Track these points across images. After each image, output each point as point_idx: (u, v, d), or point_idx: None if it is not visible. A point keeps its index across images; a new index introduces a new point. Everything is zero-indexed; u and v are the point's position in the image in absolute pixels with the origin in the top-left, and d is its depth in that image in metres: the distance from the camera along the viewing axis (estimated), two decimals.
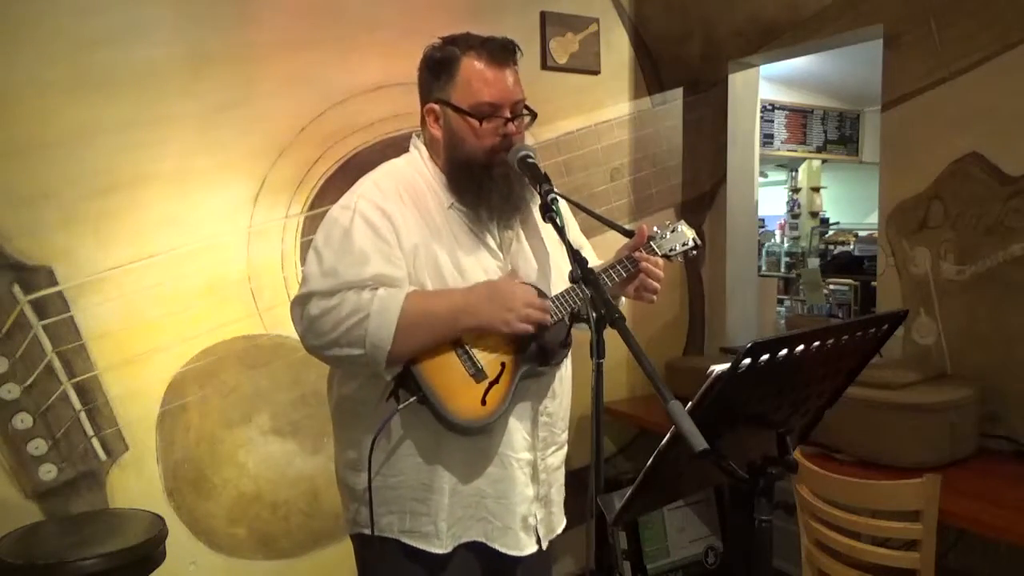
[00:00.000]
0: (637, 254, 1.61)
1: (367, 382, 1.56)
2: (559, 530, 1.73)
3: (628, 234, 1.64)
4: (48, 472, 2.37)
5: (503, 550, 1.60)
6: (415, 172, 1.61)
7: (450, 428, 1.50)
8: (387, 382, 1.52)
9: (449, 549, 1.57)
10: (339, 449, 1.68)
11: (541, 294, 1.57)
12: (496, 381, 1.52)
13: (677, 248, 1.69)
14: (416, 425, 1.54)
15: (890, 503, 2.00)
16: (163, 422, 2.52)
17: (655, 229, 1.69)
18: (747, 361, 0.98)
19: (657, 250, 1.66)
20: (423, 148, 1.64)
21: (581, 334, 1.65)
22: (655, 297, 1.65)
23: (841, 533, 2.09)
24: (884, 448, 2.35)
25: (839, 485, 2.06)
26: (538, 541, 1.65)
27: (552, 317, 1.54)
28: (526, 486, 1.61)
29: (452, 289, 1.53)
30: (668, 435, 1.05)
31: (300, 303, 1.51)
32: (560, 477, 1.74)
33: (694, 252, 1.71)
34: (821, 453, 2.42)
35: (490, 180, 1.55)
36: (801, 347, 1.04)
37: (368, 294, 1.46)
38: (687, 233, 1.69)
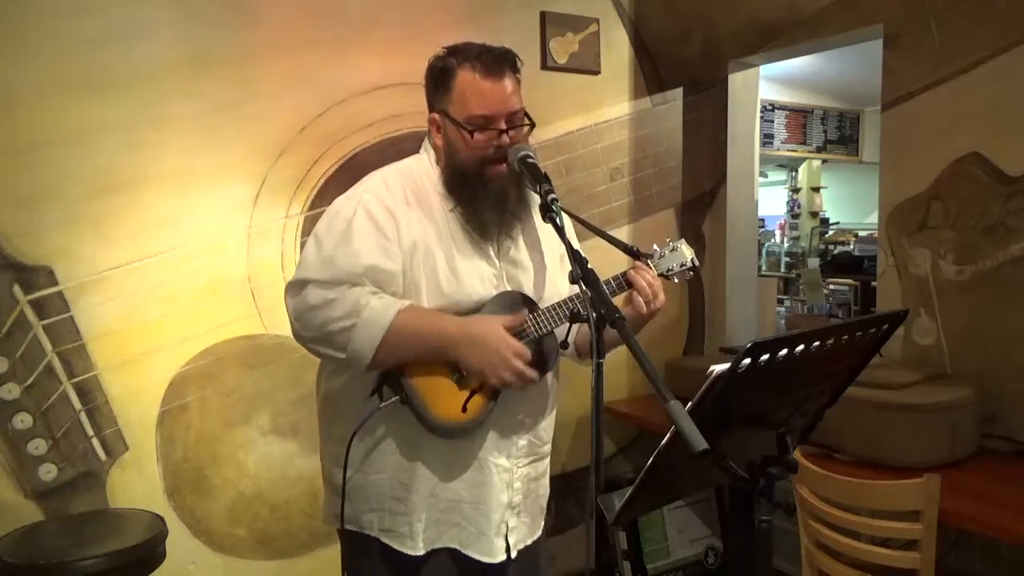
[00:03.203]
0: (631, 270, 1.61)
1: (355, 378, 1.57)
2: (530, 541, 1.70)
3: (629, 251, 1.64)
4: (48, 472, 2.37)
5: (476, 556, 1.60)
6: (423, 174, 1.63)
7: (430, 430, 1.52)
8: (373, 379, 1.53)
9: (423, 552, 1.58)
10: (324, 444, 1.69)
11: (532, 303, 1.59)
12: (479, 389, 1.53)
13: (675, 268, 1.68)
14: (398, 423, 1.55)
15: (890, 503, 2.00)
16: (163, 422, 2.52)
17: (654, 247, 1.70)
18: (747, 361, 0.98)
19: (654, 269, 1.66)
20: (431, 151, 1.66)
21: (566, 365, 1.65)
22: (645, 308, 1.59)
23: (841, 533, 2.09)
24: (884, 448, 2.35)
25: (839, 485, 2.06)
26: (507, 549, 1.63)
27: (539, 333, 1.54)
28: (502, 492, 1.62)
29: (444, 316, 1.52)
30: (668, 435, 1.06)
31: (295, 289, 1.53)
32: (539, 488, 1.73)
33: (691, 273, 1.70)
34: (821, 453, 2.42)
35: (484, 191, 1.57)
36: (801, 347, 1.04)
37: (364, 298, 1.47)
38: (686, 253, 1.69)
